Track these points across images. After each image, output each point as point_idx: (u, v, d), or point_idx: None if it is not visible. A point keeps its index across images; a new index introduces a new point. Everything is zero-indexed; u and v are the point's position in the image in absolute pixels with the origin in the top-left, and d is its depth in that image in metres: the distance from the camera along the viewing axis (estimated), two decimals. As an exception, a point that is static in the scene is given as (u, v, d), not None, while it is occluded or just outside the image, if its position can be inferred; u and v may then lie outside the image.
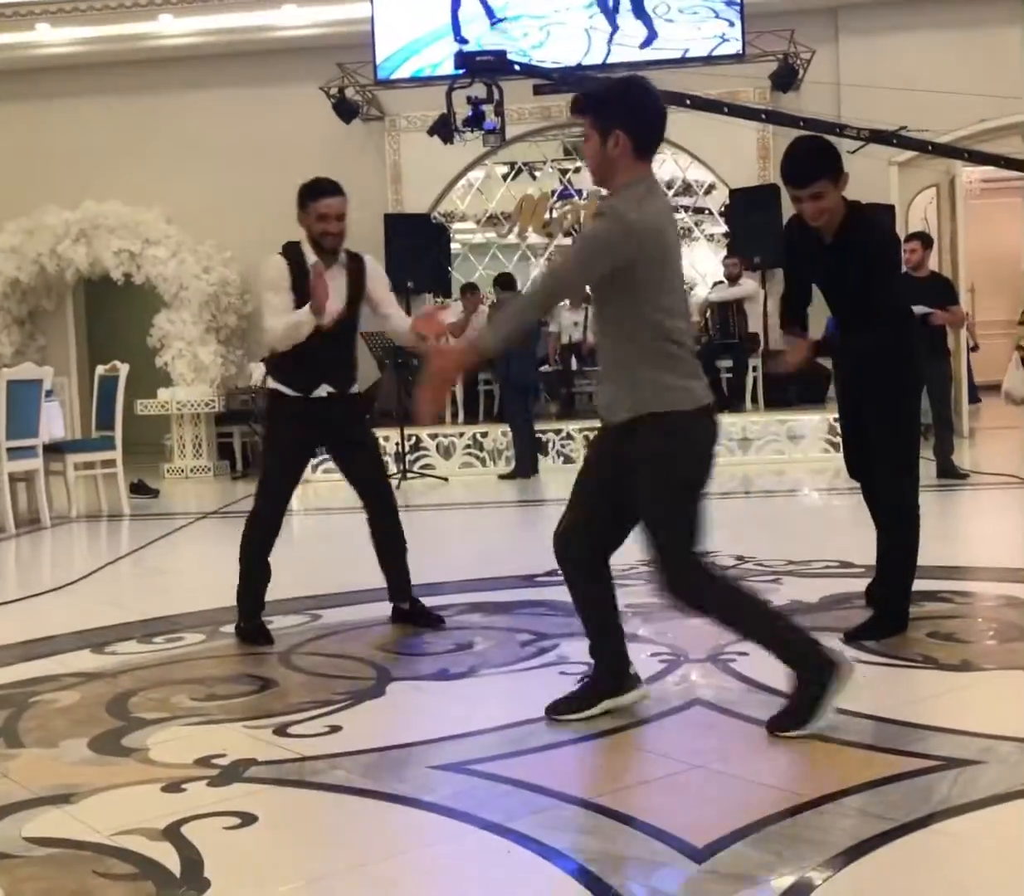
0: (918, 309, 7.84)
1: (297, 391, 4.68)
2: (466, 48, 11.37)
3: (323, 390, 4.68)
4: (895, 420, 4.30)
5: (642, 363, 3.29)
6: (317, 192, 4.67)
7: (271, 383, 4.77)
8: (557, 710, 3.48)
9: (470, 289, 12.23)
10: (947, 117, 11.46)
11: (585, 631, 3.60)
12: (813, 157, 4.08)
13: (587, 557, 3.49)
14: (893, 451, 4.31)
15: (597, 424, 3.53)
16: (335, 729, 3.46)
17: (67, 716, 3.70)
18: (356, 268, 4.74)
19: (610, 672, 3.55)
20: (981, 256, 14.71)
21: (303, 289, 4.54)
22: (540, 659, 4.16)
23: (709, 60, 11.93)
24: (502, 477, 10.75)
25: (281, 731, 3.45)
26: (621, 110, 3.26)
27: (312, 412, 4.68)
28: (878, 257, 4.23)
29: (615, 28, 12.08)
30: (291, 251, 4.71)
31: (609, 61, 11.96)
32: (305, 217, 4.67)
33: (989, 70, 11.95)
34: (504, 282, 11.50)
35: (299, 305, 4.56)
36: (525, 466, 10.71)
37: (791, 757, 3.09)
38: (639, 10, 12.05)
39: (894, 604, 4.39)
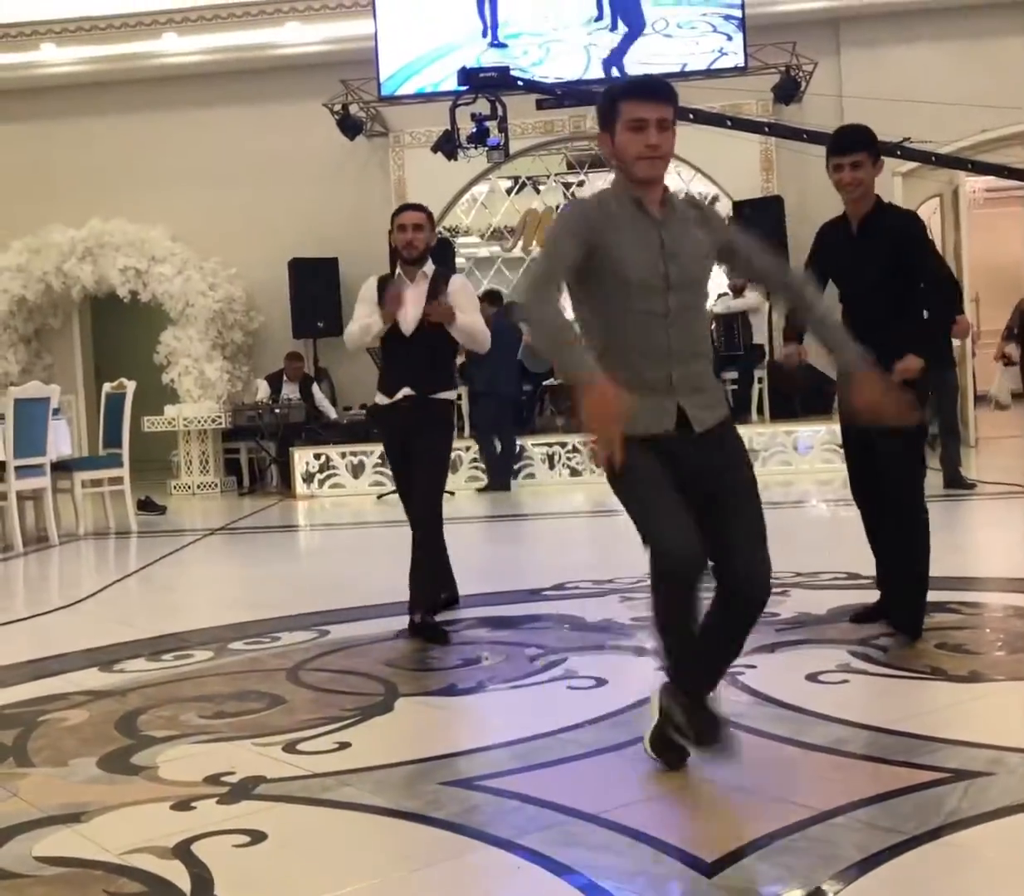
0: None
1: (384, 396, 5.05)
2: (467, 66, 11.41)
3: (403, 392, 5.00)
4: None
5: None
6: (399, 209, 5.18)
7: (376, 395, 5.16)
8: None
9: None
10: (950, 128, 11.49)
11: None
12: (859, 132, 4.51)
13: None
14: (904, 453, 4.33)
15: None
16: (344, 746, 3.46)
17: (76, 735, 3.70)
18: (439, 282, 5.06)
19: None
20: (985, 265, 14.72)
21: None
22: (548, 673, 4.16)
23: (711, 73, 11.97)
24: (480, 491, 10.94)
25: (290, 748, 3.45)
26: None
27: (396, 416, 5.02)
28: (906, 244, 4.41)
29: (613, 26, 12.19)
30: (386, 275, 5.21)
31: (612, 74, 11.99)
32: (391, 233, 5.23)
33: (990, 80, 11.97)
34: (492, 298, 11.71)
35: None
36: (504, 479, 10.85)
37: (799, 770, 3.08)
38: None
39: (910, 614, 4.42)
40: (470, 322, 4.99)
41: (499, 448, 10.90)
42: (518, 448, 11.18)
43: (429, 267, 5.08)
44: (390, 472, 5.57)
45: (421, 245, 5.01)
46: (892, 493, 4.43)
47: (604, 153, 3.10)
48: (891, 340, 4.21)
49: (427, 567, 4.96)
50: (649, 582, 3.00)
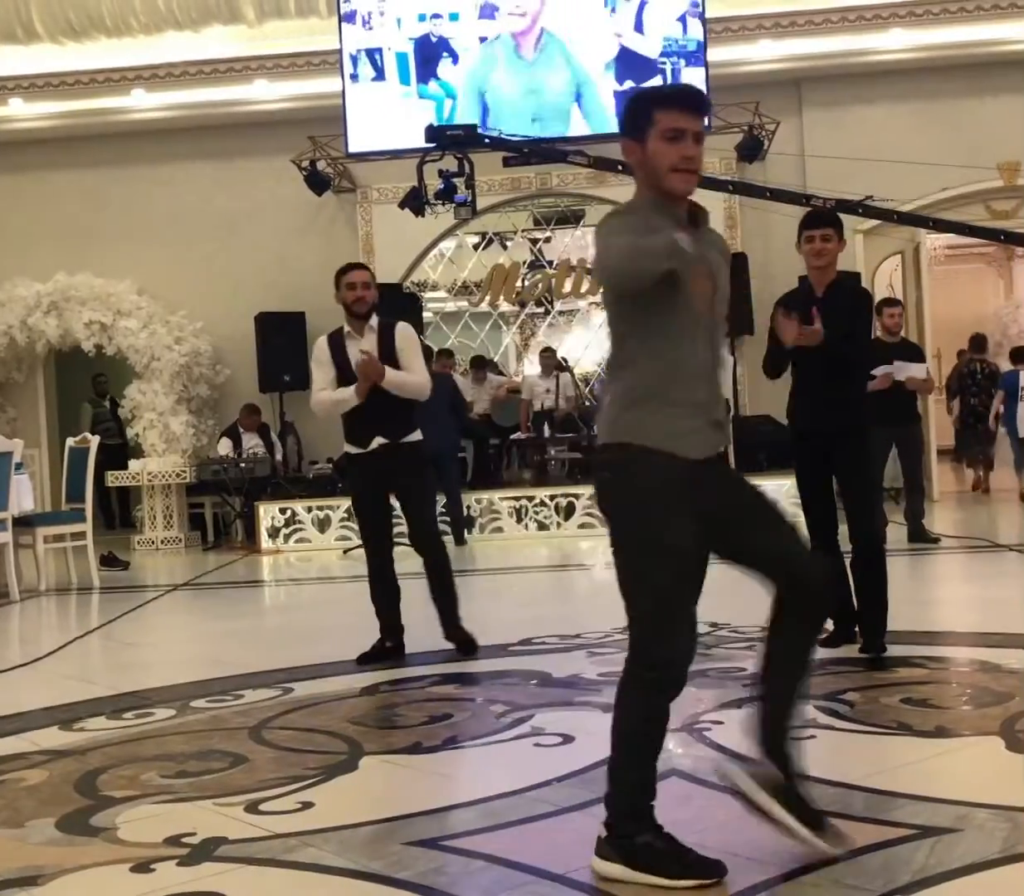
0: (900, 365, 8.25)
1: (357, 447, 5.48)
2: (434, 123, 11.51)
3: (377, 442, 5.42)
4: (864, 461, 5.16)
5: None
6: (344, 269, 5.63)
7: (345, 447, 5.59)
8: None
9: (445, 354, 12.35)
10: (911, 186, 11.66)
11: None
12: (829, 212, 5.50)
13: None
14: (865, 486, 5.17)
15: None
16: (307, 805, 3.41)
17: (34, 795, 3.64)
18: (387, 332, 5.53)
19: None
20: (945, 321, 14.89)
21: (341, 362, 5.47)
22: (515, 731, 4.12)
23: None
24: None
25: (252, 808, 3.40)
26: None
27: (372, 464, 5.43)
28: (859, 309, 5.22)
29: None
30: (334, 332, 5.59)
31: (571, 134, 12.16)
32: (338, 292, 5.56)
33: (950, 140, 12.19)
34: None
35: (339, 375, 5.46)
36: (458, 532, 10.75)
37: (767, 828, 3.06)
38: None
39: (879, 639, 5.00)
40: (396, 378, 5.38)
41: (443, 503, 10.66)
42: (472, 501, 11.17)
43: (374, 321, 5.55)
44: (357, 522, 5.92)
45: (370, 301, 5.51)
46: (861, 522, 5.05)
47: (632, 162, 2.86)
48: (846, 391, 5.10)
49: (447, 584, 5.60)
50: (625, 672, 2.92)
